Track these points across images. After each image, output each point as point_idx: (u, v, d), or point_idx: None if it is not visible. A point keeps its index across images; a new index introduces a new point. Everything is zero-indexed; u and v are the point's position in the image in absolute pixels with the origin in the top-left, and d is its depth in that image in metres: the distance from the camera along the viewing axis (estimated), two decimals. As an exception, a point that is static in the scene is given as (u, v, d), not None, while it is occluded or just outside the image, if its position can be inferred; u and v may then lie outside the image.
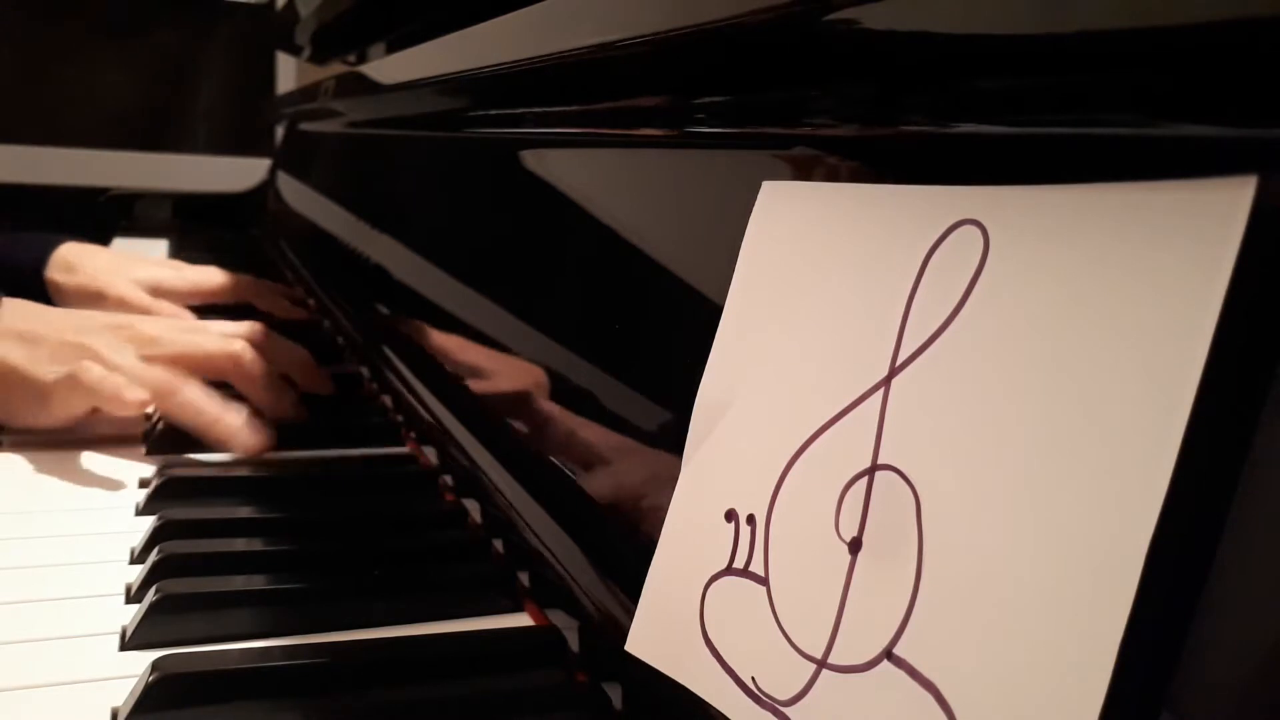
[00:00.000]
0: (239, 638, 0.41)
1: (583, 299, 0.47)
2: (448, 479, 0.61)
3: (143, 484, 0.59)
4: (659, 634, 0.30)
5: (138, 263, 1.10)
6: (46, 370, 0.64)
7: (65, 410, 0.65)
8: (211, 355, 0.70)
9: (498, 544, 0.51)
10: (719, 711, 0.27)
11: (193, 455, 0.63)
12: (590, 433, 0.42)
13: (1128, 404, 0.19)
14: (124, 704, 0.35)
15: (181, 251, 1.38)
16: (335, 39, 1.34)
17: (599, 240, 0.46)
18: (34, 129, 2.08)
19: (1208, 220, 0.18)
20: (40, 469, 0.62)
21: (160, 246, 1.52)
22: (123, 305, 1.03)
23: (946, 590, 0.22)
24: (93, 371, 0.63)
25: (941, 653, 0.21)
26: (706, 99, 0.38)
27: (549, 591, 0.45)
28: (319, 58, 1.52)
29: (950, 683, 0.21)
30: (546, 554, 0.43)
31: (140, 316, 0.76)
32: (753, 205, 0.31)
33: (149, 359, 0.67)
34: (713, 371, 0.31)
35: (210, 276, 1.11)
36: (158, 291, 1.07)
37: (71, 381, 0.63)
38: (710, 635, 0.28)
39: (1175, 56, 0.20)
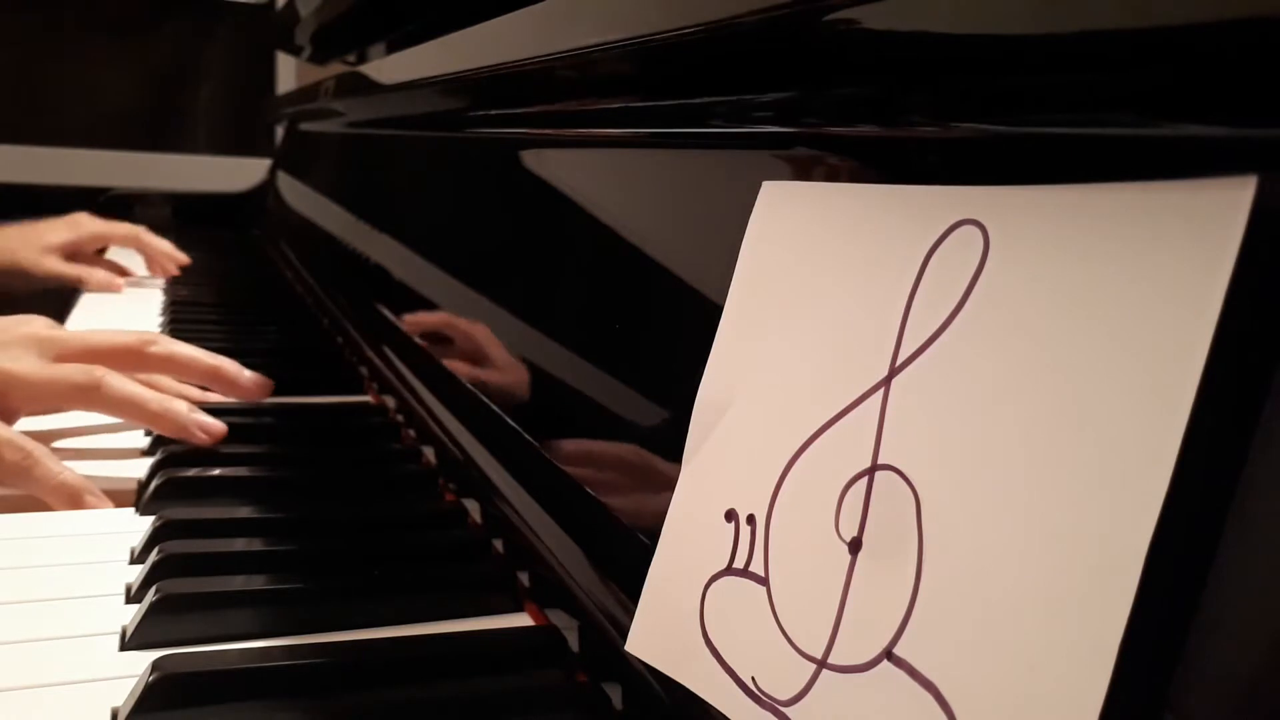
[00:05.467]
0: (239, 638, 0.41)
1: (583, 299, 0.47)
2: (448, 479, 0.61)
3: (142, 484, 0.59)
4: (659, 634, 0.30)
5: (44, 230, 1.21)
6: None
7: None
8: (123, 344, 0.66)
9: (498, 544, 0.51)
10: (719, 711, 0.27)
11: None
12: (590, 433, 0.42)
13: (1128, 403, 0.19)
14: (124, 704, 0.35)
15: (181, 251, 1.38)
16: (335, 39, 1.34)
17: (599, 240, 0.46)
18: (34, 129, 2.08)
19: (1208, 220, 0.18)
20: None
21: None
22: (54, 278, 1.17)
23: (946, 590, 0.22)
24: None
25: (941, 653, 0.21)
26: (706, 99, 0.38)
27: (549, 591, 0.45)
28: (319, 58, 1.53)
29: (950, 683, 0.21)
30: (546, 554, 0.43)
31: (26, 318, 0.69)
32: (753, 205, 0.31)
33: (59, 358, 0.63)
34: (713, 371, 0.31)
35: (97, 224, 1.28)
36: (74, 248, 1.22)
37: None
38: (710, 635, 0.28)
39: (1175, 56, 0.20)
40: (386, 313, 0.79)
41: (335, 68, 1.33)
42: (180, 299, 1.19)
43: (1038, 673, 0.19)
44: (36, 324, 0.66)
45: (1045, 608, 0.20)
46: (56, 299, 1.16)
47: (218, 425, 0.63)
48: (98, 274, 1.23)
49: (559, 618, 0.43)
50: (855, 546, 0.24)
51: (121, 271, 1.31)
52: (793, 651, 0.25)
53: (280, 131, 1.90)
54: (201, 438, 0.62)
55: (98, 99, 2.16)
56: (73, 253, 1.24)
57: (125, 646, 0.40)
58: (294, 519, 0.53)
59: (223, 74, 2.28)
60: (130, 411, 0.62)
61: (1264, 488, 0.18)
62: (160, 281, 1.32)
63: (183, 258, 1.35)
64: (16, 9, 2.10)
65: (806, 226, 0.29)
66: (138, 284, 1.30)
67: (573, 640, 0.41)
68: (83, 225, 1.27)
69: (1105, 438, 0.19)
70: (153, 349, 0.68)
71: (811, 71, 0.31)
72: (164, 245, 1.34)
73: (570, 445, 0.44)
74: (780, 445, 0.27)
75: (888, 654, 0.23)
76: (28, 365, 0.62)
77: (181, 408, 0.62)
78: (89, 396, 0.62)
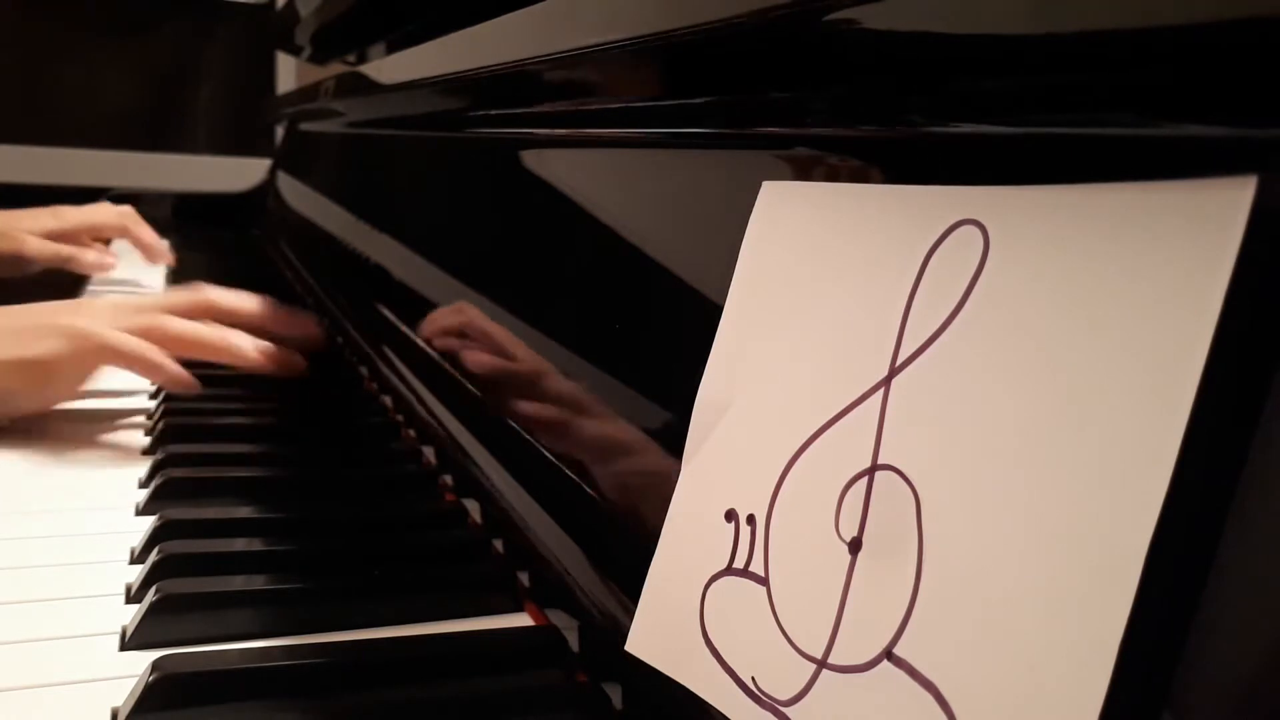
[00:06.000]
0: (239, 638, 0.41)
1: (583, 299, 0.47)
2: (448, 479, 0.61)
3: (142, 484, 0.59)
4: (659, 634, 0.30)
5: (24, 217, 1.22)
6: (41, 348, 0.65)
7: (72, 383, 0.68)
8: (184, 301, 0.74)
9: (498, 544, 0.51)
10: (719, 711, 0.27)
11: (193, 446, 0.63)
12: (590, 433, 0.42)
13: (1128, 403, 0.19)
14: (124, 704, 0.35)
15: (181, 251, 1.38)
16: (335, 39, 1.34)
17: (599, 240, 0.46)
18: (34, 129, 2.08)
19: (1208, 220, 0.18)
20: (40, 469, 0.62)
21: (160, 247, 1.52)
22: (45, 259, 1.18)
23: (946, 590, 0.22)
24: (92, 332, 0.66)
25: (941, 653, 0.22)
26: (706, 99, 0.38)
27: (549, 591, 0.45)
28: (319, 58, 1.53)
29: (950, 683, 0.21)
30: (546, 554, 0.43)
31: (89, 301, 0.79)
32: (753, 205, 0.31)
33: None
34: (713, 371, 0.31)
35: (83, 214, 1.27)
36: (58, 236, 1.22)
37: (73, 350, 0.66)
38: (710, 635, 0.28)
39: (1175, 56, 0.20)
40: (386, 313, 0.79)
41: (335, 68, 1.33)
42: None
43: (1038, 673, 0.19)
44: (108, 299, 0.77)
45: (1045, 608, 0.20)
46: (57, 292, 1.15)
47: (273, 348, 0.73)
48: (88, 254, 1.22)
49: (559, 618, 0.43)
50: (855, 546, 0.24)
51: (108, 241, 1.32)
52: (793, 651, 0.25)
53: (280, 131, 1.90)
54: (258, 359, 0.72)
55: (98, 99, 2.16)
56: (58, 240, 1.24)
57: (125, 646, 0.40)
58: (294, 519, 0.53)
59: (223, 74, 2.28)
60: (192, 347, 0.71)
61: (1264, 488, 0.18)
62: (160, 276, 1.32)
63: (168, 256, 1.35)
64: (17, 9, 2.11)
65: (806, 226, 0.29)
66: (136, 284, 1.30)
67: (573, 640, 0.41)
68: (65, 215, 1.26)
69: (1105, 438, 0.19)
70: (202, 296, 0.76)
71: (811, 71, 0.31)
72: (150, 233, 1.33)
73: (570, 445, 0.44)
74: (780, 445, 0.27)
75: (888, 654, 0.23)
76: (104, 321, 0.69)
77: (238, 339, 0.72)
78: (154, 334, 0.69)
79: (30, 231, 1.20)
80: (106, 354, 0.67)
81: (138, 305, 0.73)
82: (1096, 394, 0.20)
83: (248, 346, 0.72)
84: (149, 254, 1.32)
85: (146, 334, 0.69)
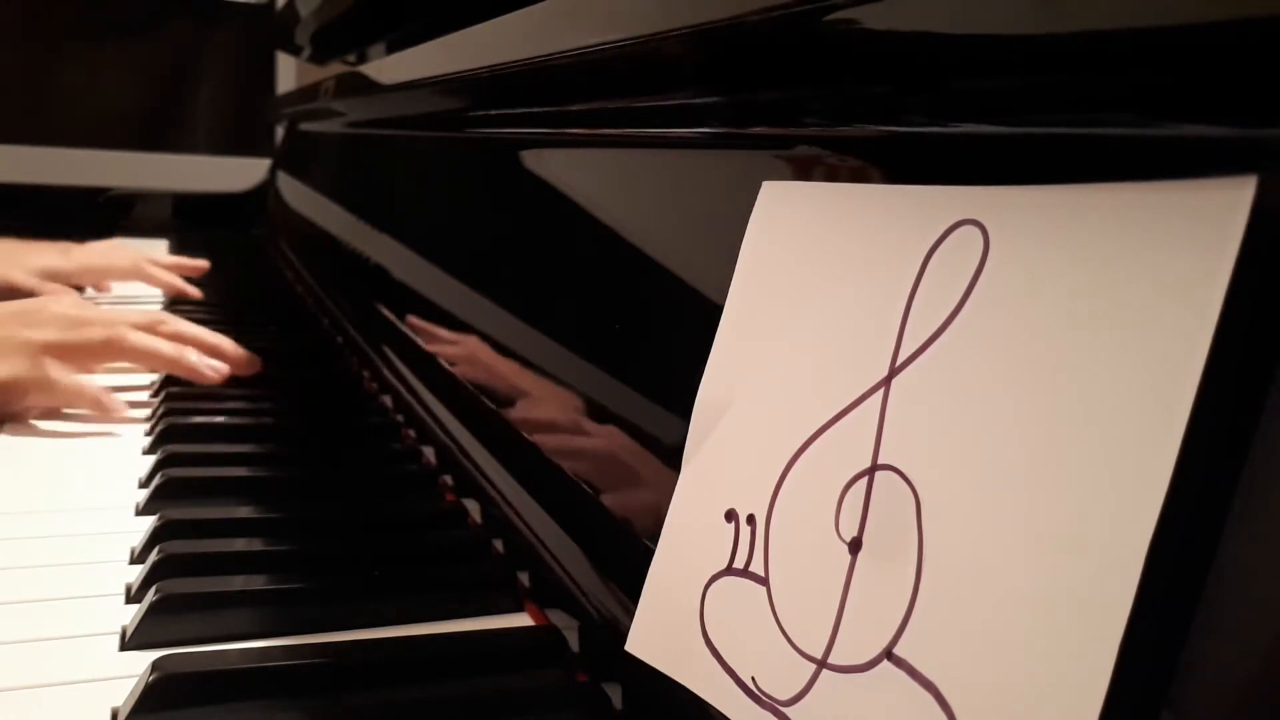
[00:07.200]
0: (239, 638, 0.41)
1: (582, 299, 0.47)
2: (448, 479, 0.61)
3: (142, 484, 0.59)
4: (659, 634, 0.30)
5: (29, 251, 1.19)
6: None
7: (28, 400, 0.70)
8: (139, 322, 0.77)
9: (498, 544, 0.51)
10: (719, 711, 0.27)
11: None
12: (590, 433, 0.42)
13: (1128, 404, 0.19)
14: (124, 704, 0.35)
15: (181, 251, 1.38)
16: (335, 39, 1.34)
17: (599, 240, 0.46)
18: (34, 129, 2.08)
19: (1208, 220, 0.18)
20: (40, 469, 0.62)
21: (160, 246, 1.52)
22: (13, 291, 1.13)
23: (947, 590, 0.22)
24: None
25: (941, 653, 0.22)
26: (706, 99, 0.38)
27: (549, 591, 0.45)
28: (319, 58, 1.53)
29: (950, 683, 0.21)
30: (546, 554, 0.43)
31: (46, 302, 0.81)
32: (753, 205, 0.31)
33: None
34: (713, 371, 0.31)
35: (92, 257, 1.24)
36: (62, 278, 1.18)
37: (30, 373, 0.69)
38: (710, 635, 0.28)
39: (1175, 56, 0.20)
40: (386, 313, 0.79)
41: (335, 68, 1.33)
42: (180, 299, 1.19)
43: (1038, 673, 0.19)
44: (65, 303, 0.78)
45: (1045, 608, 0.20)
46: None
47: (225, 366, 0.77)
48: (57, 290, 1.19)
49: (559, 618, 0.43)
50: (855, 546, 0.24)
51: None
52: (793, 651, 0.26)
53: (280, 131, 1.90)
54: (212, 376, 0.76)
55: (98, 99, 2.16)
56: (57, 280, 1.20)
57: (125, 646, 0.40)
58: (294, 519, 0.53)
59: (223, 74, 2.28)
60: (149, 359, 0.76)
61: (1264, 488, 0.18)
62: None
63: (197, 264, 1.30)
64: (16, 9, 2.10)
65: (806, 226, 0.29)
66: (135, 299, 1.29)
67: (573, 640, 0.41)
68: (73, 254, 1.22)
69: (1105, 438, 0.19)
70: (163, 327, 0.79)
71: (812, 71, 0.31)
72: (167, 274, 1.25)
73: (570, 445, 0.44)
74: (780, 445, 0.27)
75: (888, 654, 0.23)
76: (53, 334, 0.72)
77: (193, 355, 0.77)
78: (113, 348, 0.74)
79: (29, 269, 1.17)
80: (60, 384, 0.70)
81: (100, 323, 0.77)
82: (1096, 394, 0.20)
83: (198, 363, 0.77)
84: (169, 293, 1.24)
85: (108, 346, 0.74)
